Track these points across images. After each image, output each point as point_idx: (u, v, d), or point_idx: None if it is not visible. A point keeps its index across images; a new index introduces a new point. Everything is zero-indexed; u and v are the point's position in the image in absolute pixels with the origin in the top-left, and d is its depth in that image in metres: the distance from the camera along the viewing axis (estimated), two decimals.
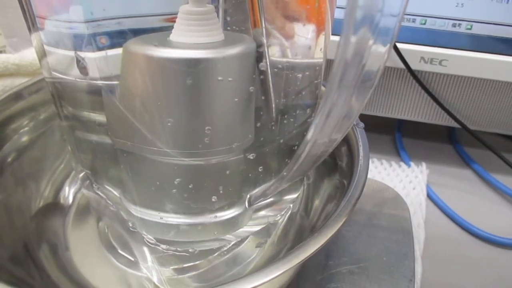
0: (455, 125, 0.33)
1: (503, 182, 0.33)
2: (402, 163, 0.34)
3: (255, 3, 0.18)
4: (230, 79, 0.15)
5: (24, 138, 0.23)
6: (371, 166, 0.34)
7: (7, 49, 0.47)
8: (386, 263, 0.26)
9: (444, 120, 0.34)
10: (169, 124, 0.15)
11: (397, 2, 0.13)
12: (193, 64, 0.15)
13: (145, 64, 0.15)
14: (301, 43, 0.19)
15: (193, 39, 0.15)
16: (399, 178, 0.33)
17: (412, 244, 0.27)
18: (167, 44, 0.15)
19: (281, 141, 0.18)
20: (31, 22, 0.19)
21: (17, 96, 0.24)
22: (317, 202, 0.22)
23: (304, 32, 0.19)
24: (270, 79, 0.18)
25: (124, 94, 0.16)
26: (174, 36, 0.16)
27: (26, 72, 0.37)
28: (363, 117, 0.29)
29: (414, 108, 0.34)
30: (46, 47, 0.19)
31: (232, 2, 0.19)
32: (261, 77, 0.18)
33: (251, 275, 0.14)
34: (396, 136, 0.38)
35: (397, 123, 0.39)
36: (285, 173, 0.16)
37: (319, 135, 0.13)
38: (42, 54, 0.19)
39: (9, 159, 0.22)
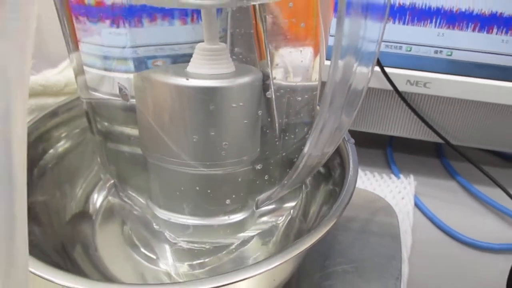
0: (440, 140, 0.37)
1: (484, 192, 0.37)
2: (392, 175, 0.38)
3: (261, 37, 0.22)
4: (241, 104, 0.19)
5: (60, 149, 0.27)
6: (364, 178, 0.38)
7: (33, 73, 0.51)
8: (377, 264, 0.29)
9: (429, 136, 0.37)
10: (194, 140, 0.19)
11: (375, 30, 0.16)
12: (212, 91, 0.18)
13: (175, 92, 0.18)
14: (301, 66, 0.23)
15: (209, 70, 0.19)
16: (389, 189, 0.36)
17: (399, 247, 0.30)
18: (191, 75, 0.19)
19: (283, 154, 0.22)
20: (71, 45, 0.22)
21: (53, 114, 0.27)
22: (314, 208, 0.26)
23: (303, 56, 0.22)
24: (274, 104, 0.21)
25: (156, 114, 0.19)
26: (191, 68, 0.19)
27: (51, 92, 0.40)
28: (358, 134, 0.33)
29: (403, 126, 0.37)
30: (85, 67, 0.23)
31: (239, 36, 0.23)
32: (268, 99, 0.22)
33: (254, 265, 0.17)
34: (388, 151, 0.42)
35: (389, 139, 0.43)
36: (285, 181, 0.20)
37: (314, 149, 0.17)
38: (80, 74, 0.23)
39: (50, 165, 0.26)
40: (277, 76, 0.22)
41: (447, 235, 0.33)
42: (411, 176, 0.37)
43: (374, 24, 0.15)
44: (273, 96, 0.21)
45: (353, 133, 0.32)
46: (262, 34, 0.21)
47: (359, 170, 0.38)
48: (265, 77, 0.21)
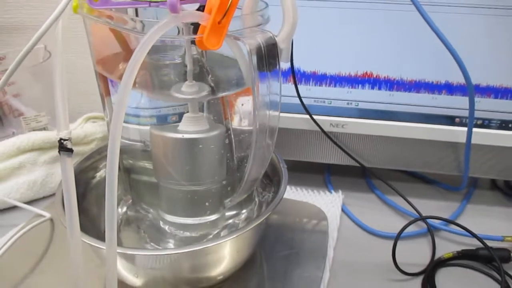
0: (358, 164, 0.52)
1: (392, 200, 0.51)
2: (327, 192, 0.52)
3: (225, 105, 0.37)
4: (212, 146, 0.33)
5: (100, 177, 0.41)
6: (306, 194, 0.52)
7: (48, 126, 0.64)
8: (311, 249, 0.43)
9: (350, 162, 0.52)
10: (186, 169, 0.33)
11: (276, 86, 0.30)
12: (197, 140, 0.32)
13: (175, 142, 0.32)
14: (247, 111, 0.37)
15: (193, 128, 0.33)
16: (324, 201, 0.50)
17: (327, 239, 0.45)
18: (183, 132, 0.33)
19: (238, 174, 0.36)
20: (106, 105, 0.36)
21: (97, 152, 0.41)
22: (263, 209, 0.40)
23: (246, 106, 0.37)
24: (233, 145, 0.36)
25: (164, 154, 0.33)
26: (182, 127, 0.33)
27: (74, 143, 0.54)
28: (304, 163, 0.49)
29: (331, 155, 0.52)
30: None
31: (211, 105, 0.37)
32: (229, 142, 0.36)
33: (219, 238, 0.31)
34: (326, 174, 0.56)
35: (327, 166, 0.57)
36: (238, 191, 0.34)
37: (251, 170, 0.31)
38: None
39: (93, 186, 0.39)
40: (235, 122, 0.36)
41: (363, 230, 0.47)
42: (340, 191, 0.52)
43: (276, 84, 0.30)
44: (233, 141, 0.36)
45: (299, 163, 0.49)
46: (225, 106, 0.36)
47: (302, 188, 0.53)
48: (227, 130, 0.36)
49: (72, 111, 0.55)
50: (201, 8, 0.28)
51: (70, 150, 0.26)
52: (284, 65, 0.46)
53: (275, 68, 0.29)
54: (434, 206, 0.52)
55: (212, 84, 0.33)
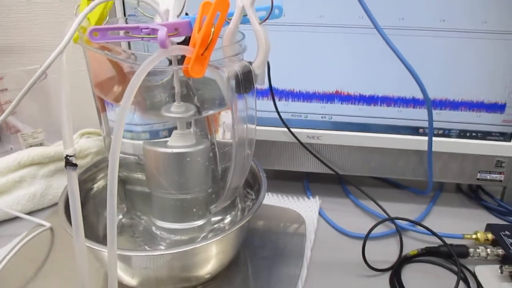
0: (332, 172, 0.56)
1: (364, 203, 0.56)
2: (305, 197, 0.57)
3: (209, 122, 0.41)
4: (199, 159, 0.38)
5: (98, 187, 0.45)
6: (286, 200, 0.57)
7: (44, 142, 0.68)
8: (290, 250, 0.47)
9: (326, 170, 0.57)
10: (175, 179, 0.37)
11: (252, 104, 0.35)
12: (184, 154, 0.37)
13: (166, 156, 0.37)
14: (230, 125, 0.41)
15: (182, 143, 0.38)
16: (302, 206, 0.55)
17: (305, 240, 0.49)
18: (172, 147, 0.37)
19: (222, 183, 0.40)
20: (103, 122, 0.41)
21: (94, 166, 0.46)
22: (245, 213, 0.44)
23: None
24: (217, 157, 0.40)
25: (156, 167, 0.38)
26: (171, 143, 0.38)
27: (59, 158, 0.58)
28: (285, 172, 0.54)
29: (309, 164, 0.57)
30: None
31: (197, 121, 0.42)
32: (214, 155, 0.41)
33: (206, 240, 0.36)
34: (305, 181, 0.61)
35: (306, 174, 0.62)
36: (222, 198, 0.38)
37: (233, 179, 0.36)
38: (108, 144, 0.41)
39: (92, 195, 0.43)
40: (219, 135, 0.41)
41: (338, 231, 0.52)
42: (317, 197, 0.57)
43: (252, 103, 0.34)
44: (217, 153, 0.40)
45: (280, 172, 0.53)
46: (210, 122, 0.41)
47: (283, 194, 0.57)
48: (212, 144, 0.40)
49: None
50: (187, 38, 0.33)
51: (75, 165, 0.31)
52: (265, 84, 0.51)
53: (251, 91, 0.34)
54: (404, 209, 0.56)
55: (198, 104, 0.37)
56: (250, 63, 0.34)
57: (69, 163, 0.31)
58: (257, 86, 0.35)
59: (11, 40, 0.80)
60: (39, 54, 0.80)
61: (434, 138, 0.52)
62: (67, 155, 0.31)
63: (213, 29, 0.30)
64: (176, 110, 0.36)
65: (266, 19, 0.34)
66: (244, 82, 0.32)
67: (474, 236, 0.49)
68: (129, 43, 0.36)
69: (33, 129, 0.67)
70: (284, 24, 0.50)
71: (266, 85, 0.50)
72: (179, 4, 0.34)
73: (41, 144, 0.67)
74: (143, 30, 0.31)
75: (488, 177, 0.54)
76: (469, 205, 0.58)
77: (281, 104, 0.53)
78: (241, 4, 0.33)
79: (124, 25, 0.39)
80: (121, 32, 0.32)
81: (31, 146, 0.66)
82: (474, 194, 0.59)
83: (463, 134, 0.52)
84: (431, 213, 0.56)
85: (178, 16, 0.34)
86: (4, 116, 0.37)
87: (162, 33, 0.28)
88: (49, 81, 0.68)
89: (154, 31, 0.30)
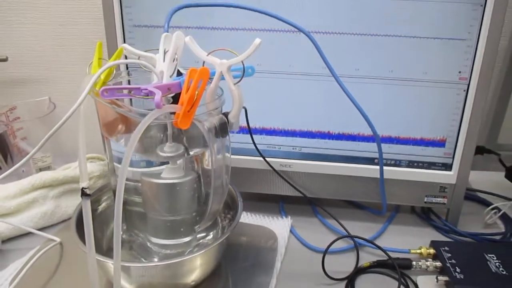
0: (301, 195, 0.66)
1: (330, 222, 0.65)
2: (279, 217, 0.66)
3: (196, 157, 0.50)
4: (186, 188, 0.47)
5: (102, 208, 0.54)
6: (263, 219, 0.66)
7: (52, 165, 0.77)
8: (262, 263, 0.56)
9: (297, 193, 0.66)
10: (167, 204, 0.46)
11: (227, 143, 0.44)
12: (175, 184, 0.46)
13: (160, 185, 0.46)
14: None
15: (173, 175, 0.47)
16: (276, 224, 0.64)
17: (276, 254, 0.58)
18: (166, 178, 0.46)
19: (205, 207, 0.50)
20: (107, 151, 0.50)
21: (99, 190, 0.54)
22: (225, 231, 0.53)
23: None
24: (202, 185, 0.49)
25: (151, 193, 0.47)
26: (164, 174, 0.47)
27: (76, 181, 0.67)
28: (264, 195, 0.63)
29: (282, 188, 0.66)
30: (115, 164, 0.50)
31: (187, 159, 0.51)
32: (199, 183, 0.50)
33: (191, 254, 0.45)
34: (280, 203, 0.70)
35: (281, 197, 0.71)
36: (204, 220, 0.47)
37: (213, 203, 0.45)
38: (111, 168, 0.50)
39: (97, 214, 0.52)
40: (205, 163, 0.50)
41: (306, 247, 0.61)
42: (289, 216, 0.66)
43: (227, 142, 0.44)
44: (202, 182, 0.50)
45: (258, 195, 0.62)
46: (197, 157, 0.50)
47: (260, 214, 0.67)
48: (197, 175, 0.49)
49: (74, 151, 0.66)
50: (177, 96, 0.42)
51: (89, 195, 0.40)
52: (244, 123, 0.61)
53: (226, 135, 0.43)
54: (364, 227, 0.66)
55: (186, 145, 0.47)
56: (227, 114, 0.44)
57: (84, 194, 0.40)
58: (234, 131, 0.45)
59: (22, 73, 0.89)
60: (46, 86, 0.90)
61: (386, 167, 0.61)
62: (82, 188, 0.40)
63: (197, 92, 0.39)
64: (168, 150, 0.45)
65: (240, 80, 0.44)
66: (221, 131, 0.42)
67: (418, 251, 0.58)
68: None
69: (42, 154, 0.75)
70: (261, 72, 0.60)
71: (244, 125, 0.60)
72: (171, 67, 0.44)
73: (49, 167, 0.76)
74: (143, 91, 0.40)
75: (434, 201, 0.64)
76: (420, 224, 0.68)
77: (258, 138, 0.63)
78: (220, 69, 0.43)
79: (128, 86, 0.49)
80: (125, 91, 0.42)
81: (40, 169, 0.75)
82: (425, 215, 0.69)
83: (411, 164, 0.62)
84: (387, 230, 0.66)
85: (171, 76, 0.44)
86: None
87: (157, 97, 0.38)
88: (57, 111, 0.77)
89: (151, 92, 0.39)
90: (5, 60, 0.81)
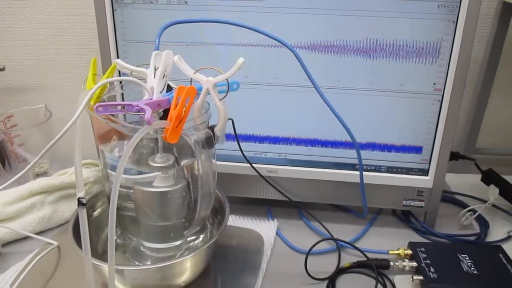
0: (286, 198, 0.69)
1: (314, 225, 0.69)
2: (266, 220, 0.70)
3: (188, 169, 0.54)
4: (176, 195, 0.50)
5: (97, 213, 0.57)
6: (250, 222, 0.69)
7: (49, 171, 0.80)
8: (249, 264, 0.60)
9: (282, 197, 0.70)
10: (158, 211, 0.50)
11: (212, 152, 0.48)
12: (165, 192, 0.49)
13: (152, 193, 0.49)
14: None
15: (164, 184, 0.50)
16: (263, 227, 0.67)
17: (262, 255, 0.62)
18: (156, 187, 0.50)
19: (194, 213, 0.53)
20: (101, 159, 0.53)
21: (95, 196, 0.58)
22: (213, 234, 0.56)
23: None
24: (191, 193, 0.53)
25: (143, 200, 0.50)
26: (155, 183, 0.50)
27: (73, 186, 0.70)
28: (253, 199, 0.67)
29: (268, 193, 0.70)
30: (109, 171, 0.53)
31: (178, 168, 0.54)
32: (189, 190, 0.53)
33: (181, 257, 0.48)
34: (267, 206, 0.74)
35: (269, 201, 0.75)
36: (193, 225, 0.51)
37: (201, 210, 0.48)
38: (105, 175, 0.53)
39: (92, 219, 0.56)
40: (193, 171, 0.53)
41: (291, 248, 0.65)
42: (275, 219, 0.69)
43: (212, 152, 0.47)
44: (191, 190, 0.53)
45: (249, 199, 0.66)
46: (187, 166, 0.53)
47: (248, 217, 0.70)
48: (187, 183, 0.53)
49: (69, 157, 0.69)
50: (167, 109, 0.45)
51: (85, 204, 0.43)
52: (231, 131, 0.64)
53: (212, 147, 0.47)
54: (347, 229, 0.69)
55: (176, 155, 0.50)
56: (213, 127, 0.47)
57: (81, 203, 0.43)
58: (219, 143, 0.48)
59: (19, 82, 0.92)
60: (42, 94, 0.93)
61: (367, 173, 0.65)
62: (79, 197, 0.43)
63: (184, 109, 0.43)
64: (159, 160, 0.48)
65: (225, 96, 0.47)
66: (207, 143, 0.45)
67: (396, 252, 0.62)
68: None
69: (39, 160, 0.78)
70: (248, 83, 0.63)
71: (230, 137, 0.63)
72: (161, 83, 0.47)
73: (46, 173, 0.79)
74: (134, 107, 0.43)
75: (412, 204, 0.67)
76: (400, 226, 0.71)
77: (245, 145, 0.66)
78: (206, 86, 0.46)
79: (121, 102, 0.52)
80: (119, 107, 0.45)
81: (37, 174, 0.78)
82: (405, 217, 0.72)
83: (390, 170, 0.66)
84: (369, 232, 0.69)
85: (161, 92, 0.47)
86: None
87: (148, 114, 0.41)
88: (53, 118, 0.80)
89: (142, 109, 0.42)
90: (2, 69, 0.84)
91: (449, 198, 0.77)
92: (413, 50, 0.59)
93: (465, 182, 0.81)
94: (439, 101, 0.61)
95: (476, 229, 0.70)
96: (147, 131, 0.42)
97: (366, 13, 0.58)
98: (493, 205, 0.73)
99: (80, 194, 0.43)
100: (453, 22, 0.57)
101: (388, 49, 0.59)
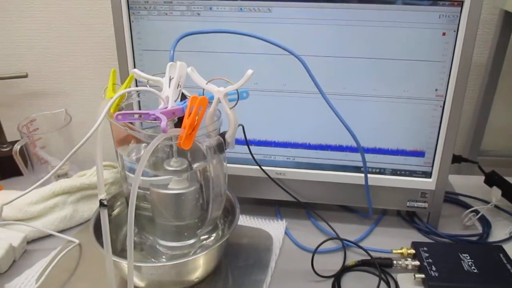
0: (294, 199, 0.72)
1: (321, 225, 0.72)
2: (275, 220, 0.73)
3: (200, 172, 0.57)
4: (190, 197, 0.54)
5: (116, 212, 0.61)
6: (260, 222, 0.72)
7: (69, 172, 0.84)
8: (259, 262, 0.63)
9: (291, 198, 0.73)
10: (173, 211, 0.53)
11: (224, 156, 0.51)
12: (180, 194, 0.53)
13: (166, 196, 0.53)
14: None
15: (179, 186, 0.53)
16: (272, 226, 0.71)
17: (271, 253, 0.65)
18: (171, 189, 0.53)
19: (206, 214, 0.56)
20: (119, 162, 0.57)
21: (113, 197, 0.62)
22: (225, 233, 0.60)
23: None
24: (204, 194, 0.56)
25: (159, 201, 0.54)
26: (171, 186, 0.54)
27: (93, 187, 0.74)
28: (262, 200, 0.70)
29: (277, 194, 0.73)
30: (127, 172, 0.57)
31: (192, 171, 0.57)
32: (202, 192, 0.56)
33: (196, 254, 0.52)
34: (277, 206, 0.77)
35: (278, 200, 0.78)
36: (205, 225, 0.54)
37: (213, 211, 0.52)
38: (123, 176, 0.57)
39: (112, 218, 0.59)
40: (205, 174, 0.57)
41: (299, 247, 0.68)
42: (284, 219, 0.72)
43: (224, 156, 0.51)
44: (203, 191, 0.56)
45: (258, 199, 0.69)
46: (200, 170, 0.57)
47: (258, 217, 0.73)
48: (200, 185, 0.56)
49: (89, 159, 0.72)
50: (181, 119, 0.49)
51: (106, 205, 0.47)
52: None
53: (223, 152, 0.50)
54: (353, 229, 0.72)
55: (190, 159, 0.53)
56: (224, 134, 0.51)
57: (102, 204, 0.47)
58: (230, 148, 0.51)
59: (41, 88, 0.97)
60: (62, 99, 0.97)
61: (372, 175, 0.68)
62: (101, 199, 0.47)
63: (197, 117, 0.46)
64: (174, 164, 0.52)
65: (235, 105, 0.50)
66: (218, 149, 0.49)
67: (400, 251, 0.64)
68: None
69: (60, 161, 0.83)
70: (258, 90, 0.66)
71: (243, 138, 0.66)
72: (176, 93, 0.50)
73: (66, 174, 0.84)
74: (151, 115, 0.47)
75: (415, 205, 0.70)
76: (405, 226, 0.74)
77: (256, 149, 0.69)
78: (217, 96, 0.49)
79: (139, 111, 0.55)
80: (136, 115, 0.49)
81: (58, 176, 0.82)
82: (409, 218, 0.75)
83: (394, 172, 0.68)
84: (374, 232, 0.72)
85: (175, 101, 0.51)
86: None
87: (163, 123, 0.44)
88: (73, 122, 0.84)
89: (158, 118, 0.46)
90: (25, 76, 0.89)
91: (453, 199, 0.79)
92: (415, 58, 0.61)
93: (468, 183, 0.83)
94: (441, 106, 0.63)
95: (479, 229, 0.72)
96: (163, 138, 0.45)
97: (371, 23, 0.60)
98: (496, 206, 0.75)
99: (102, 196, 0.47)
100: (454, 31, 0.59)
101: (391, 57, 0.62)
